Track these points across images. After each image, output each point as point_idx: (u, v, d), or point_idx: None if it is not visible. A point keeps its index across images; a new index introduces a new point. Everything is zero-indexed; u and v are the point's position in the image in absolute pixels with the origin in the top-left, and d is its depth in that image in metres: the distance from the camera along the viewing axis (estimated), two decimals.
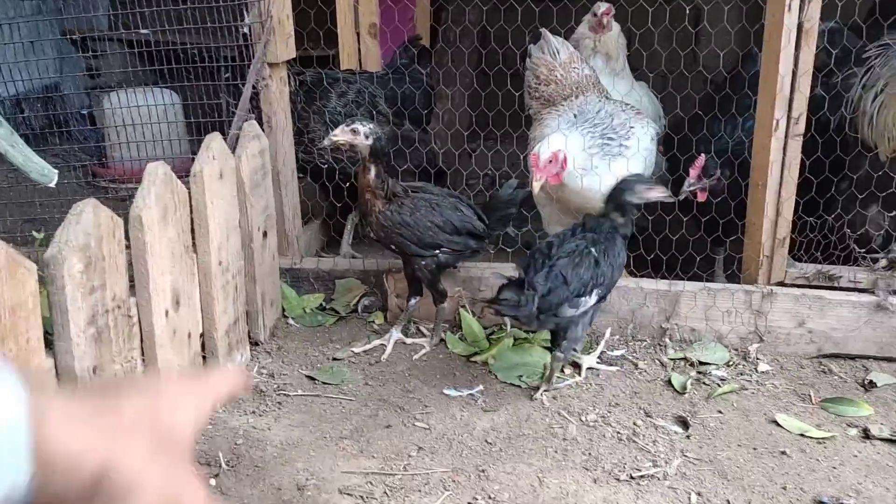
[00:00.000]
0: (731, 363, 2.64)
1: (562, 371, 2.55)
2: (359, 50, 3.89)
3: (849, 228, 2.91)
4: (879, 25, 3.10)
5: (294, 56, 2.88)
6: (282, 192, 2.92)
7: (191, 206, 2.21)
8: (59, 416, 0.68)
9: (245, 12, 2.68)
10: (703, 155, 2.74)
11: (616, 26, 3.58)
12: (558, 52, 3.16)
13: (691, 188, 2.75)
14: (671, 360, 2.65)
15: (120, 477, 0.68)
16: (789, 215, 2.62)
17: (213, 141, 2.30)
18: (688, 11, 3.72)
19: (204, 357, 2.37)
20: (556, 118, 2.91)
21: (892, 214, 2.82)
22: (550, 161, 2.52)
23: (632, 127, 2.72)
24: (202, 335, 2.34)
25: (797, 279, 2.71)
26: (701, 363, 2.63)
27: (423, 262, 2.59)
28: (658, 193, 2.40)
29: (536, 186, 2.54)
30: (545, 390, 2.45)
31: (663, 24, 3.54)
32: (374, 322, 2.89)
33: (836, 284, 2.68)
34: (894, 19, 2.99)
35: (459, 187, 3.51)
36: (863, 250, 2.79)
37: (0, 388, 0.65)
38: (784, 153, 2.55)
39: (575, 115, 2.85)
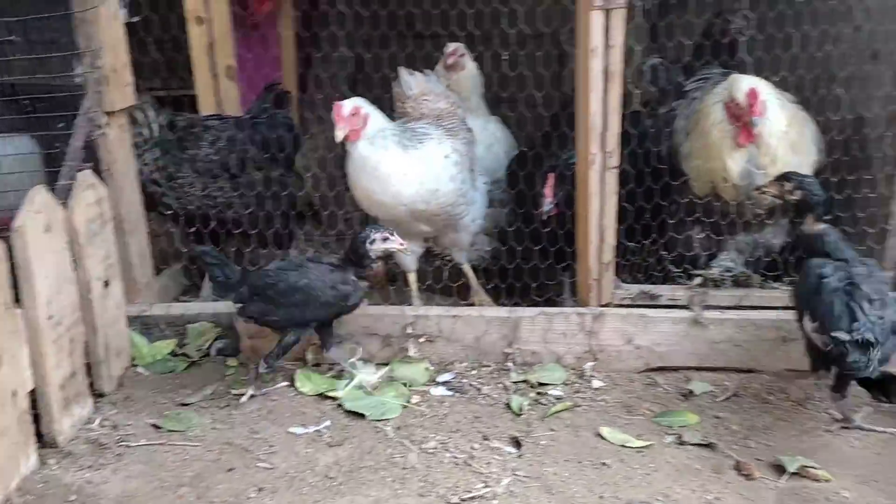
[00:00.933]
0: (568, 382, 2.81)
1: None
2: (217, 92, 3.91)
3: (681, 249, 3.16)
4: (703, 59, 3.41)
5: (132, 103, 2.89)
6: (127, 240, 2.91)
7: (13, 261, 2.19)
8: None
9: (77, 62, 2.67)
10: (550, 173, 2.92)
11: (471, 66, 3.75)
12: (410, 88, 3.33)
13: (551, 205, 2.91)
14: (514, 383, 2.79)
15: None
16: (612, 241, 2.84)
17: (37, 194, 2.29)
18: (554, 55, 3.95)
19: (36, 414, 2.32)
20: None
21: (716, 238, 3.08)
22: (353, 114, 2.77)
23: (429, 136, 2.93)
24: (33, 392, 2.29)
25: (624, 300, 2.92)
26: (541, 384, 2.78)
27: None
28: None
29: (339, 135, 2.76)
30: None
31: (535, 68, 3.72)
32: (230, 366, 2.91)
33: (657, 303, 2.90)
34: (715, 55, 3.31)
35: (336, 228, 3.58)
36: (679, 270, 3.04)
37: None
38: (602, 184, 2.77)
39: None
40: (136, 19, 2.87)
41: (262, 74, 3.93)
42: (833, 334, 2.26)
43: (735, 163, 2.80)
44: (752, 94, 2.70)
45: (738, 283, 2.98)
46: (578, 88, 2.72)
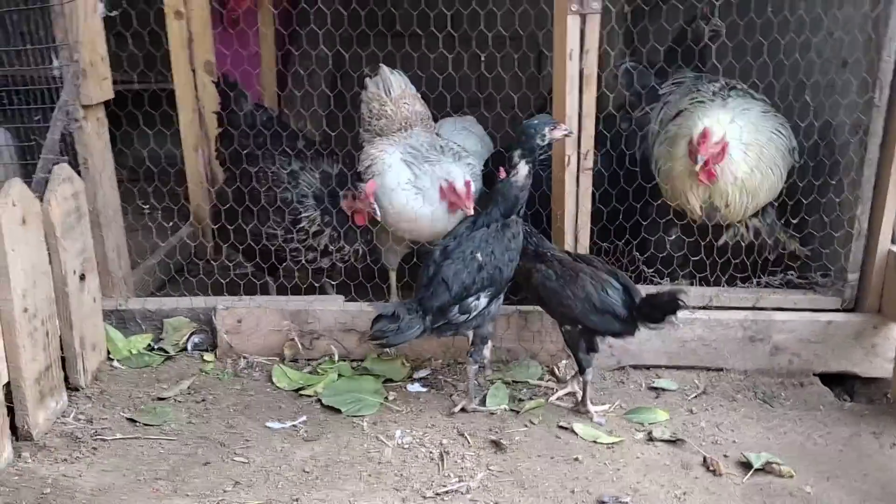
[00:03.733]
0: (542, 378, 2.86)
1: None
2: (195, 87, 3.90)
3: (654, 250, 3.22)
4: (676, 63, 3.48)
5: (111, 97, 2.88)
6: (103, 234, 2.90)
7: None
8: None
9: (53, 55, 2.66)
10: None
11: None
12: (391, 89, 3.35)
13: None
14: (488, 380, 2.83)
15: None
16: (586, 241, 2.89)
17: (13, 187, 2.28)
18: (531, 57, 3.99)
19: (10, 407, 2.31)
20: (391, 142, 3.14)
21: (690, 240, 3.14)
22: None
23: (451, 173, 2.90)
24: (7, 385, 2.29)
25: None
26: (515, 381, 2.83)
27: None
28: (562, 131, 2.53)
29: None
30: (463, 407, 2.62)
31: (512, 69, 3.75)
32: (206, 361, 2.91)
33: None
34: (689, 58, 3.37)
35: None
36: (652, 271, 3.11)
37: None
38: (577, 185, 2.82)
39: (411, 147, 3.06)
40: (114, 13, 2.86)
41: (241, 71, 3.92)
42: None
43: (695, 198, 2.86)
44: (703, 136, 2.69)
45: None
46: (555, 91, 2.76)
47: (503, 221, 2.54)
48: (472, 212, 2.80)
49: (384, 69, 3.35)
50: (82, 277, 2.68)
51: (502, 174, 2.63)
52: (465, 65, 3.70)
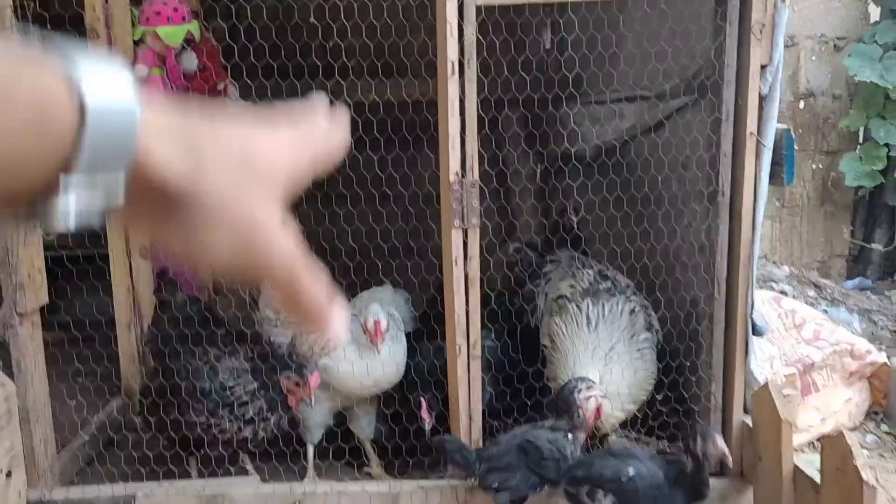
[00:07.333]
0: None
1: None
2: None
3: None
4: (551, 243, 4.00)
5: (46, 302, 3.18)
6: (31, 429, 3.11)
7: None
8: (157, 121, 0.63)
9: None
10: (421, 399, 3.32)
11: None
12: None
13: (430, 425, 3.32)
14: None
15: (202, 197, 0.64)
16: (479, 421, 3.21)
17: None
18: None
19: None
20: None
21: None
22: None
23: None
24: None
25: None
26: None
27: None
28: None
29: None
30: None
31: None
32: None
33: None
34: (563, 245, 3.88)
35: None
36: None
37: (112, 70, 0.61)
38: (468, 372, 3.18)
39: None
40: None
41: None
42: None
43: None
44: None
45: None
46: (445, 291, 3.17)
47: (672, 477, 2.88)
48: (380, 349, 3.21)
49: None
50: (8, 475, 2.87)
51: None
52: (400, 219, 4.13)
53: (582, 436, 3.06)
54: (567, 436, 3.02)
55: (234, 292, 4.44)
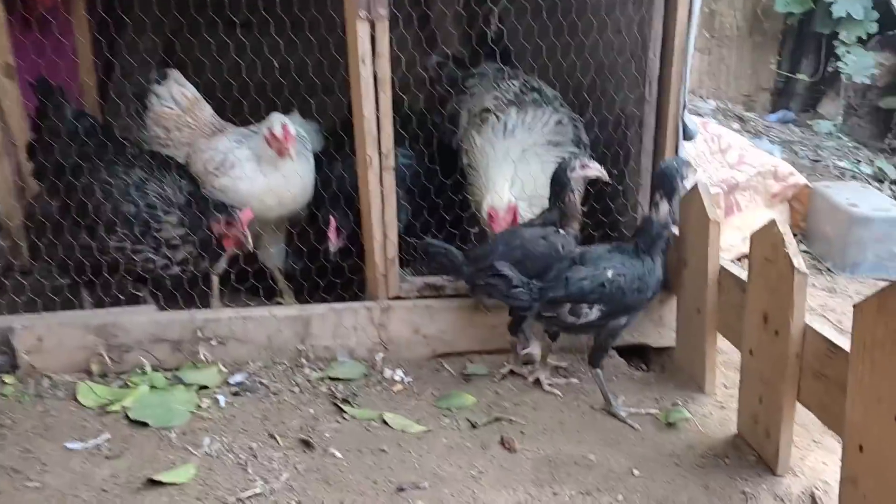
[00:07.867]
0: (367, 375, 2.93)
1: None
2: None
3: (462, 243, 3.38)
4: (477, 55, 3.67)
5: None
6: None
7: None
8: None
9: None
10: (331, 218, 3.03)
11: None
12: (187, 97, 3.35)
13: (337, 247, 3.07)
14: (308, 381, 2.88)
15: None
16: (394, 237, 2.98)
17: None
18: None
19: None
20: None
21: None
22: None
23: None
24: None
25: (410, 292, 3.07)
26: (332, 378, 2.89)
27: None
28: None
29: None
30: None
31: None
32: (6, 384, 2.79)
33: (442, 293, 3.09)
34: (492, 57, 3.55)
35: None
36: None
37: None
38: (381, 185, 2.90)
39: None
40: None
41: (59, 81, 3.70)
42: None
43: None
44: (491, 217, 2.96)
45: None
46: (353, 94, 2.83)
47: (642, 255, 2.65)
48: (293, 154, 2.97)
49: (174, 74, 3.34)
50: None
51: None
52: (301, 50, 3.71)
53: (575, 226, 2.83)
54: (558, 230, 2.80)
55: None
